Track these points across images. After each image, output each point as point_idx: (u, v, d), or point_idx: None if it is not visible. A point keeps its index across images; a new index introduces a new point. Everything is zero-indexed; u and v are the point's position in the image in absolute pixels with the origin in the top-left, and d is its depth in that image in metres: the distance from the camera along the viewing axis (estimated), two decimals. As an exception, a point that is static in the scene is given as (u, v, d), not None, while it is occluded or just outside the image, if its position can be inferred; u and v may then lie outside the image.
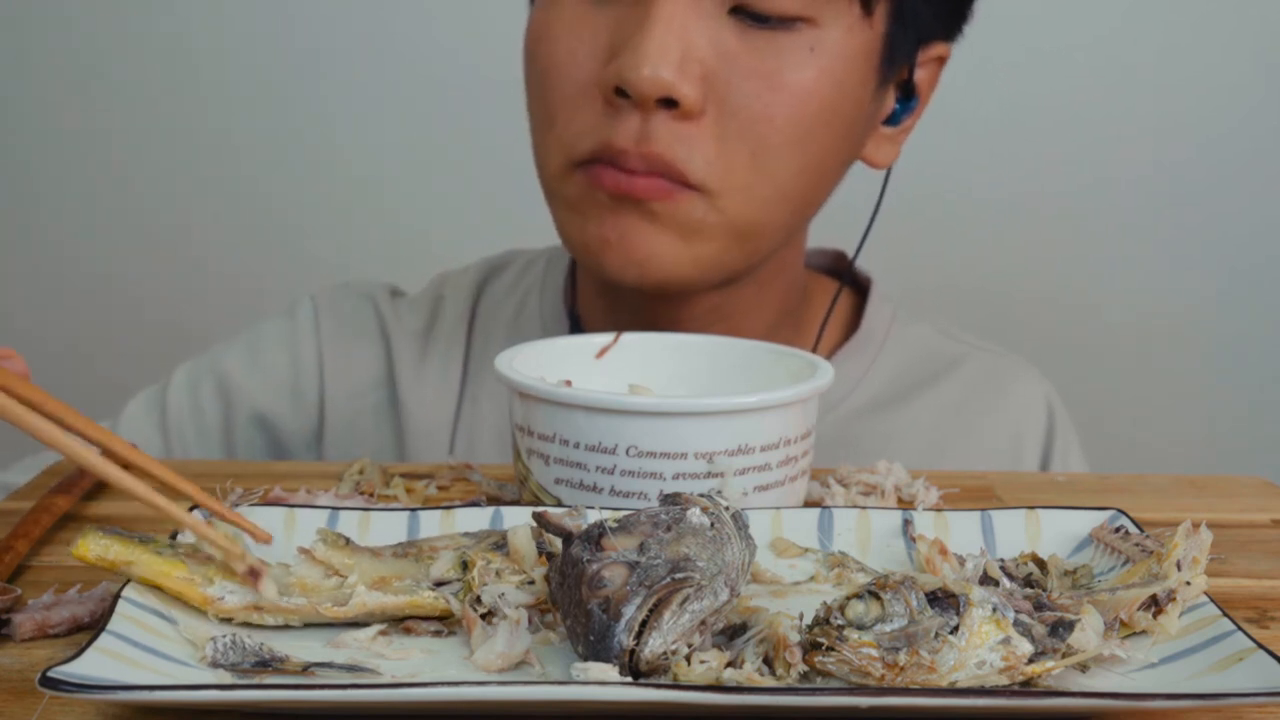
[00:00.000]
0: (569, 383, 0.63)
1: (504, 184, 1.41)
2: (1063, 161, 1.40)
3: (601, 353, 0.67)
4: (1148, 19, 1.38)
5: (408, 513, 0.54)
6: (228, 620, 0.46)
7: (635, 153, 0.70)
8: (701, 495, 0.46)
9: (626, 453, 0.56)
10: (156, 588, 0.46)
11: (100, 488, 0.65)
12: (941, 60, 0.81)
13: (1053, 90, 1.39)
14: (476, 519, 0.54)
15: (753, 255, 0.77)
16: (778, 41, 0.71)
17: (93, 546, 0.46)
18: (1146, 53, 1.39)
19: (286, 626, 0.47)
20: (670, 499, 0.46)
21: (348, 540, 0.50)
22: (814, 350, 0.84)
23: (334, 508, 0.54)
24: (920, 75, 0.80)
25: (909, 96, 0.80)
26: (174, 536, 0.50)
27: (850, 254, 0.88)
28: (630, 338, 0.68)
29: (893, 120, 0.81)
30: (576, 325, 0.86)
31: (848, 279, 0.88)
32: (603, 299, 0.84)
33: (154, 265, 1.48)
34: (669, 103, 0.69)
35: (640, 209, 0.72)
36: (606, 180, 0.71)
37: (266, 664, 0.42)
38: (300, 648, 0.45)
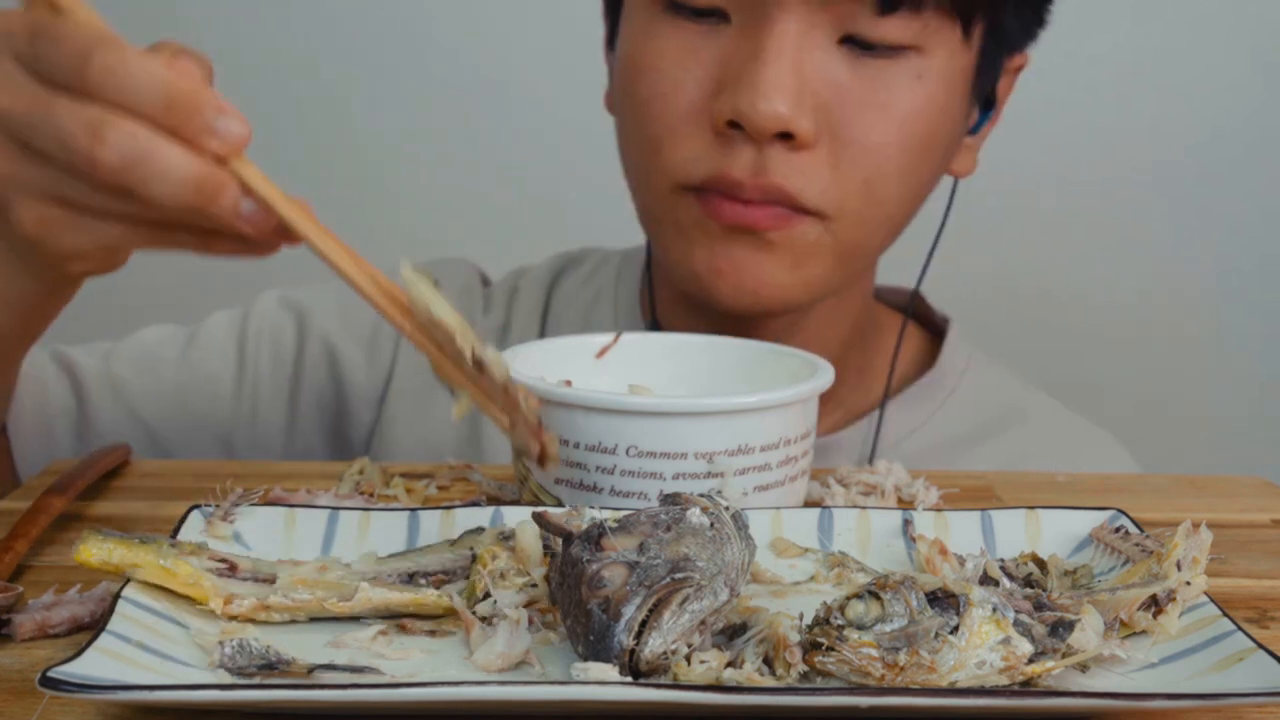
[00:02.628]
0: (569, 383, 0.63)
1: (511, 186, 1.42)
2: (1063, 161, 1.40)
3: (601, 353, 0.67)
4: (1147, 19, 1.38)
5: (408, 513, 0.54)
6: (233, 619, 0.46)
7: (752, 184, 0.71)
8: (701, 495, 0.46)
9: (626, 453, 0.56)
10: (161, 588, 0.46)
11: (98, 487, 0.65)
12: (1020, 67, 0.82)
13: (1053, 90, 1.39)
14: (476, 519, 0.54)
15: (854, 275, 0.78)
16: (886, 70, 0.72)
17: (95, 550, 0.46)
18: (1147, 52, 1.39)
19: (292, 622, 0.47)
20: (670, 499, 0.46)
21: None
22: (888, 384, 0.84)
23: (334, 507, 0.54)
24: (1001, 84, 0.81)
25: (989, 105, 0.81)
26: (174, 536, 0.50)
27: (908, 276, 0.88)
28: (630, 338, 0.68)
29: (974, 130, 0.82)
30: (655, 330, 0.86)
31: (911, 311, 0.88)
32: (682, 305, 0.84)
33: (156, 265, 1.47)
34: (784, 135, 0.70)
35: (755, 239, 0.73)
36: (725, 212, 0.72)
37: (273, 666, 0.42)
38: (301, 648, 0.45)
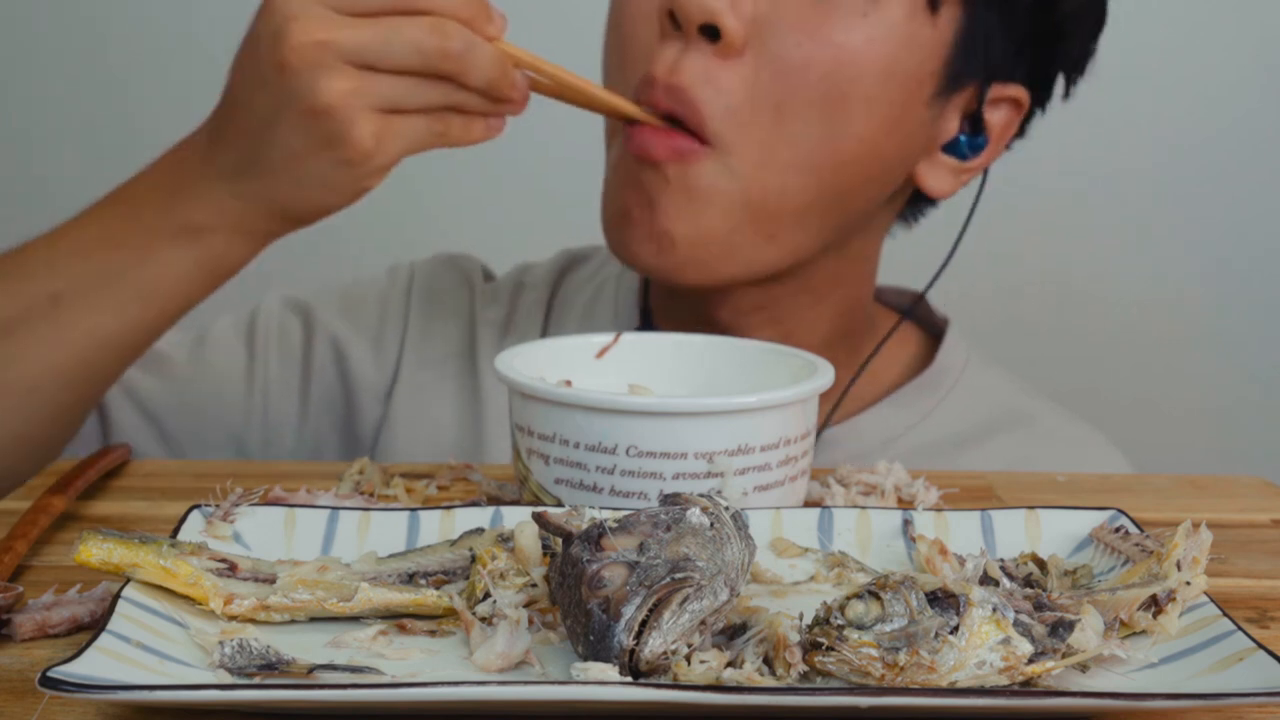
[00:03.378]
0: (569, 383, 0.63)
1: (520, 182, 1.41)
2: (1062, 161, 1.40)
3: (601, 353, 0.67)
4: (1145, 20, 1.38)
5: (408, 513, 0.54)
6: (233, 619, 0.46)
7: (664, 84, 0.70)
8: (701, 495, 0.46)
9: (626, 453, 0.56)
10: (161, 588, 0.46)
11: (98, 487, 0.65)
12: (1018, 105, 0.79)
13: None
14: (476, 519, 0.54)
15: (771, 241, 0.74)
16: None
17: (95, 551, 0.46)
18: (1145, 52, 1.38)
19: (292, 622, 0.47)
20: (670, 499, 0.46)
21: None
22: (858, 372, 0.83)
23: (334, 507, 0.54)
24: (992, 114, 0.78)
25: (976, 131, 0.79)
26: (174, 536, 0.50)
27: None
28: (630, 338, 0.68)
29: (957, 152, 0.79)
30: (648, 320, 0.87)
31: (908, 312, 0.88)
32: (669, 296, 0.84)
33: None
34: (711, 32, 0.69)
35: (659, 175, 0.72)
36: (632, 140, 0.72)
37: (273, 666, 0.42)
38: (301, 648, 0.45)
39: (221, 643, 0.43)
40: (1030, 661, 0.41)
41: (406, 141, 0.65)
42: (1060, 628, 0.43)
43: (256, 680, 0.42)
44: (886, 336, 0.85)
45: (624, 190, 0.74)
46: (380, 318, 0.90)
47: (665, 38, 0.71)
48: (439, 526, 0.54)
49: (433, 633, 0.47)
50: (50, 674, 0.38)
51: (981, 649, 0.41)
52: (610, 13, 0.79)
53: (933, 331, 0.90)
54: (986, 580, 0.49)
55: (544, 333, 0.89)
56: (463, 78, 0.64)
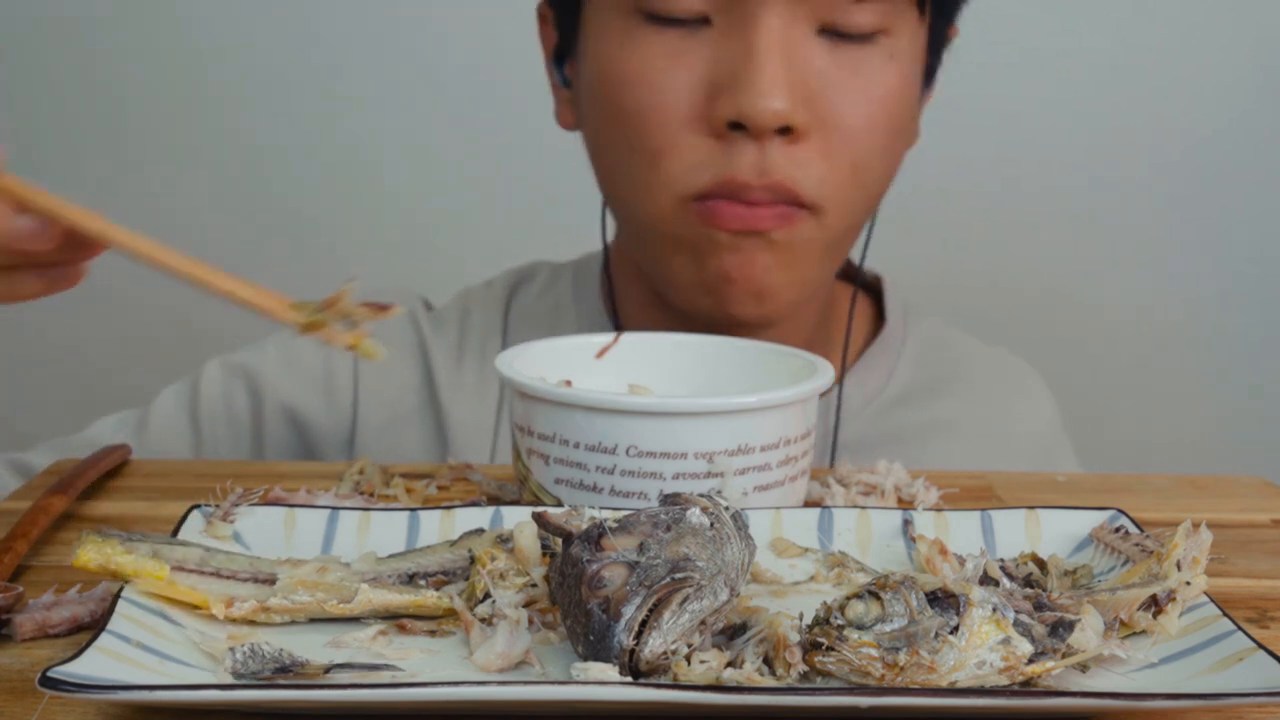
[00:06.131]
0: (569, 383, 0.63)
1: (516, 190, 1.42)
2: (1062, 161, 1.40)
3: (601, 353, 0.67)
4: (1144, 19, 1.38)
5: (408, 513, 0.54)
6: (233, 621, 0.46)
7: (759, 185, 0.72)
8: (701, 495, 0.46)
9: (626, 453, 0.56)
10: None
11: (98, 487, 0.65)
12: (952, 38, 0.84)
13: (1050, 91, 1.39)
14: (476, 519, 0.54)
15: (836, 268, 0.80)
16: (862, 55, 0.74)
17: (94, 555, 0.46)
18: (1143, 53, 1.39)
19: (292, 623, 0.47)
20: (670, 499, 0.46)
21: None
22: (844, 353, 0.86)
23: (334, 507, 0.54)
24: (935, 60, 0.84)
25: (929, 76, 0.83)
26: (174, 534, 0.50)
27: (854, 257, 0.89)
28: (630, 338, 0.68)
29: None
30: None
31: (860, 282, 0.89)
32: (654, 313, 0.84)
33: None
34: (783, 129, 0.71)
35: (761, 240, 0.74)
36: (731, 218, 0.73)
37: (287, 669, 0.42)
38: (301, 648, 0.45)
39: (232, 649, 0.42)
40: (1030, 661, 0.42)
41: None
42: (1060, 628, 0.43)
43: (256, 680, 0.41)
44: (851, 312, 0.88)
45: (720, 260, 0.75)
46: (326, 368, 0.88)
47: (731, 142, 0.72)
48: (439, 527, 0.54)
49: (433, 633, 0.47)
50: (50, 674, 0.38)
51: (981, 649, 0.41)
52: (613, 121, 0.75)
53: (871, 288, 0.94)
54: (986, 580, 0.49)
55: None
56: None
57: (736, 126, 0.71)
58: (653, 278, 0.81)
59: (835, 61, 0.73)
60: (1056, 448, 0.90)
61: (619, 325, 0.87)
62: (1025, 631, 0.42)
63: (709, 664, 0.42)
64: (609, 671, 0.41)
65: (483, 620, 0.46)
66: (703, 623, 0.43)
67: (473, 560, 0.49)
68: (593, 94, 0.77)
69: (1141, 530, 0.53)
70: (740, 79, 0.70)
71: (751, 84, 0.70)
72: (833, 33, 0.73)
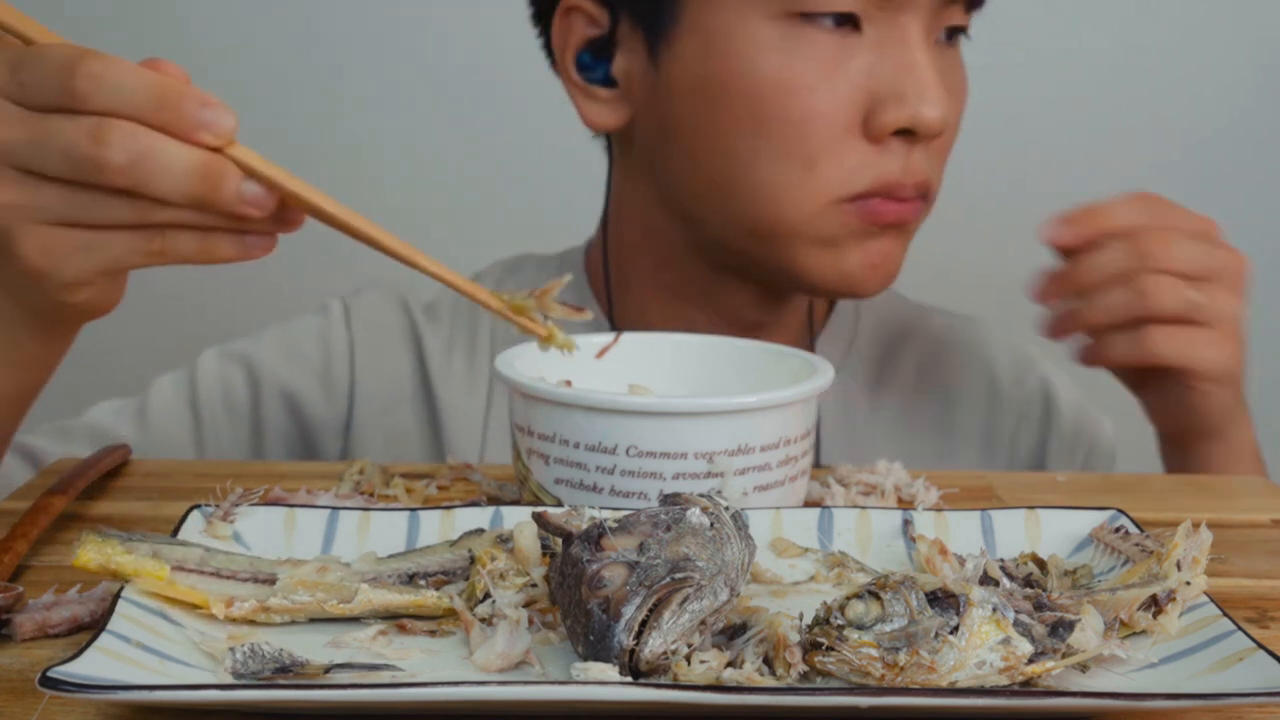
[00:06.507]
0: (569, 383, 0.63)
1: (516, 190, 1.42)
2: (1062, 161, 1.40)
3: (601, 353, 0.67)
4: (1145, 19, 1.38)
5: (408, 513, 0.54)
6: (233, 621, 0.46)
7: (909, 184, 0.77)
8: (701, 495, 0.46)
9: (626, 453, 0.56)
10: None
11: (98, 487, 0.65)
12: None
13: (1051, 91, 1.39)
14: (476, 519, 0.54)
15: None
16: (953, 54, 0.81)
17: (94, 555, 0.46)
18: (1143, 53, 1.39)
19: (292, 623, 0.47)
20: (670, 499, 0.46)
21: None
22: (810, 325, 0.91)
23: (334, 507, 0.54)
24: None
25: None
26: (174, 534, 0.50)
27: None
28: (630, 338, 0.68)
29: None
30: (612, 325, 0.88)
31: None
32: (654, 303, 0.87)
33: (165, 270, 1.47)
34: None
35: (900, 230, 0.80)
36: (886, 214, 0.77)
37: (288, 669, 0.42)
38: (300, 648, 0.45)
39: (232, 649, 0.42)
40: (1030, 661, 0.41)
41: (100, 258, 0.53)
42: (1060, 628, 0.43)
43: (256, 680, 0.41)
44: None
45: (866, 250, 0.79)
46: (324, 356, 0.89)
47: (886, 147, 0.76)
48: (439, 527, 0.54)
49: (433, 633, 0.47)
50: (50, 674, 0.38)
51: (981, 649, 0.41)
52: (771, 126, 0.77)
53: None
54: (986, 580, 0.49)
55: (492, 347, 0.89)
56: (144, 191, 0.50)
57: (902, 133, 0.76)
58: (768, 271, 0.82)
59: (945, 63, 0.78)
60: (1031, 387, 0.95)
61: (613, 318, 0.88)
62: (1025, 631, 0.42)
63: (709, 664, 0.42)
64: (609, 671, 0.41)
65: (483, 620, 0.46)
66: (703, 623, 0.43)
67: (473, 560, 0.49)
68: (724, 97, 0.77)
69: (1141, 530, 0.53)
70: (907, 90, 0.75)
71: (920, 95, 0.74)
72: (945, 34, 0.79)
